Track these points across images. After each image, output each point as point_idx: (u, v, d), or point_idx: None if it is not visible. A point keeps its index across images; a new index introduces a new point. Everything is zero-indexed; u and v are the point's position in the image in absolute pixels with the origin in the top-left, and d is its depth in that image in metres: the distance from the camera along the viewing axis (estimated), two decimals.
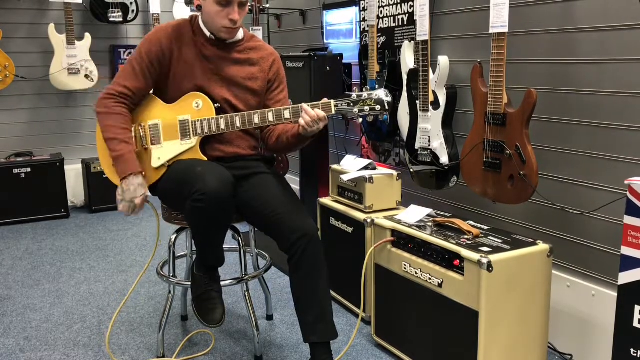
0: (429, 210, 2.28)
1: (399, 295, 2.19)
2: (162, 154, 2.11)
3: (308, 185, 3.41)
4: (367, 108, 1.96)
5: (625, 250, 1.57)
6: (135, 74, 2.10)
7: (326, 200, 2.80)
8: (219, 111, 2.11)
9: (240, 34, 2.19)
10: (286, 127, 2.16)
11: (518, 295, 1.89)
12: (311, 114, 1.95)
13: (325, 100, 1.98)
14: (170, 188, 2.07)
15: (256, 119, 2.05)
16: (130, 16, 4.48)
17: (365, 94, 1.96)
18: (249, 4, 2.12)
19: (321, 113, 1.95)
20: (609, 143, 2.06)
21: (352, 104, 1.96)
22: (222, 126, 2.08)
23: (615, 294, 1.62)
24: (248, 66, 2.19)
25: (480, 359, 1.85)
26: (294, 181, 4.11)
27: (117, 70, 4.50)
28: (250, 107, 2.19)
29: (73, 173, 4.55)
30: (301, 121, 1.97)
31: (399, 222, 2.21)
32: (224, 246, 2.11)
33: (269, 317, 2.64)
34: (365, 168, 2.67)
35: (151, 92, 2.18)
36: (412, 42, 2.77)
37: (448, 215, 2.28)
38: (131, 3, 4.46)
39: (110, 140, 2.06)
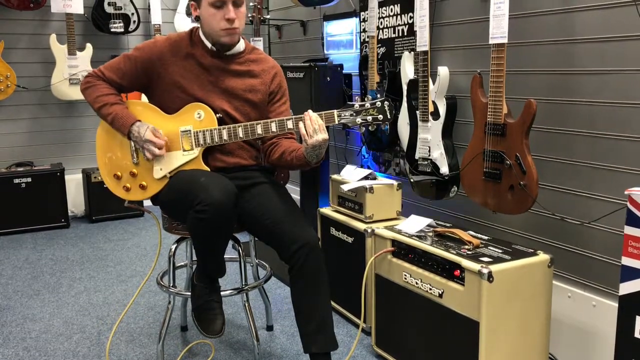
0: (429, 220, 2.28)
1: (400, 306, 2.18)
2: (164, 164, 2.12)
3: (308, 195, 3.41)
4: (369, 118, 1.96)
5: (626, 261, 1.57)
6: (122, 72, 2.16)
7: (326, 210, 2.80)
8: (220, 121, 2.12)
9: (241, 46, 2.19)
10: (292, 145, 2.13)
11: (519, 306, 1.89)
12: (312, 118, 1.93)
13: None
14: (173, 198, 2.07)
15: (259, 130, 2.05)
16: (132, 27, 4.50)
17: (367, 104, 1.96)
18: (244, 6, 2.10)
19: (320, 121, 1.94)
20: (609, 153, 2.06)
21: (354, 114, 1.96)
22: (225, 137, 2.08)
23: (616, 305, 1.62)
24: (248, 78, 2.19)
25: None
26: (294, 191, 4.11)
27: None
28: (250, 119, 2.17)
29: (73, 183, 4.55)
30: (301, 126, 1.96)
31: (399, 232, 2.22)
32: (224, 256, 2.11)
33: (269, 328, 2.63)
34: (366, 178, 2.68)
35: (151, 103, 2.19)
36: (412, 52, 2.79)
37: (448, 225, 2.28)
38: (132, 14, 4.48)
39: (101, 107, 2.12)
